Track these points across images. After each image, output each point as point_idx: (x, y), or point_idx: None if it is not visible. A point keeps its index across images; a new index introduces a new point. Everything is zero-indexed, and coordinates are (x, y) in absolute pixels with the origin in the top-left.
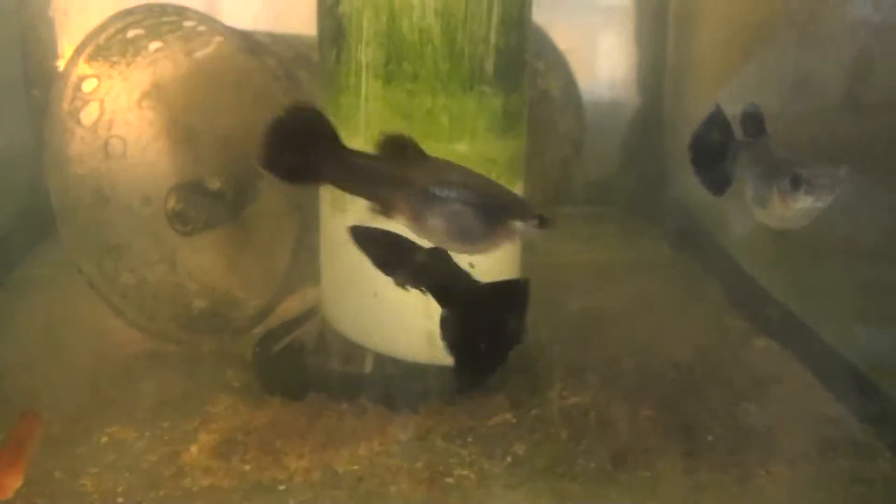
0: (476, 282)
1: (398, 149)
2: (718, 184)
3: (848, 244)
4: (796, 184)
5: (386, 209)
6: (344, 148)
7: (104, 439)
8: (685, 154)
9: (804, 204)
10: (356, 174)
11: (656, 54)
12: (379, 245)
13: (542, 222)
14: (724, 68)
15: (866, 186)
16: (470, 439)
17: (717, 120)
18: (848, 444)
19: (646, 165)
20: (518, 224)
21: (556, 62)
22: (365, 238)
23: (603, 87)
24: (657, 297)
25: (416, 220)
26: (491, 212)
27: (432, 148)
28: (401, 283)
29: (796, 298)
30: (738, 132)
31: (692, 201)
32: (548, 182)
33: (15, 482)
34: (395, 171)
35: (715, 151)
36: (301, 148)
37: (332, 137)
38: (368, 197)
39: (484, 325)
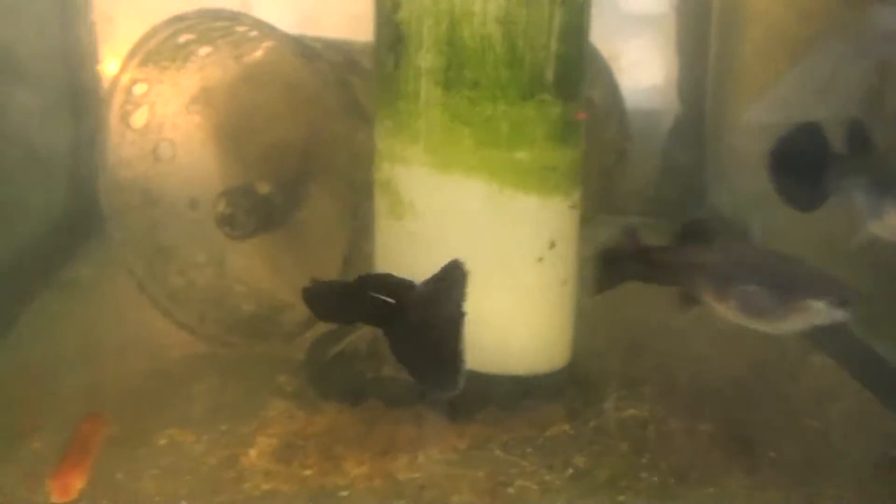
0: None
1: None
2: (811, 198)
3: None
4: None
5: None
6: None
7: (163, 441)
8: (726, 163)
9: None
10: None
11: (698, 61)
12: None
13: (844, 302)
14: (768, 76)
15: None
16: (529, 449)
17: (810, 131)
18: None
19: (685, 175)
20: (816, 303)
21: (600, 69)
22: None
23: (643, 94)
24: (707, 309)
25: (719, 301)
26: (786, 290)
27: (492, 156)
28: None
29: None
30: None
31: (731, 211)
32: (590, 191)
33: (79, 483)
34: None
35: (807, 164)
36: None
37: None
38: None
39: (428, 328)
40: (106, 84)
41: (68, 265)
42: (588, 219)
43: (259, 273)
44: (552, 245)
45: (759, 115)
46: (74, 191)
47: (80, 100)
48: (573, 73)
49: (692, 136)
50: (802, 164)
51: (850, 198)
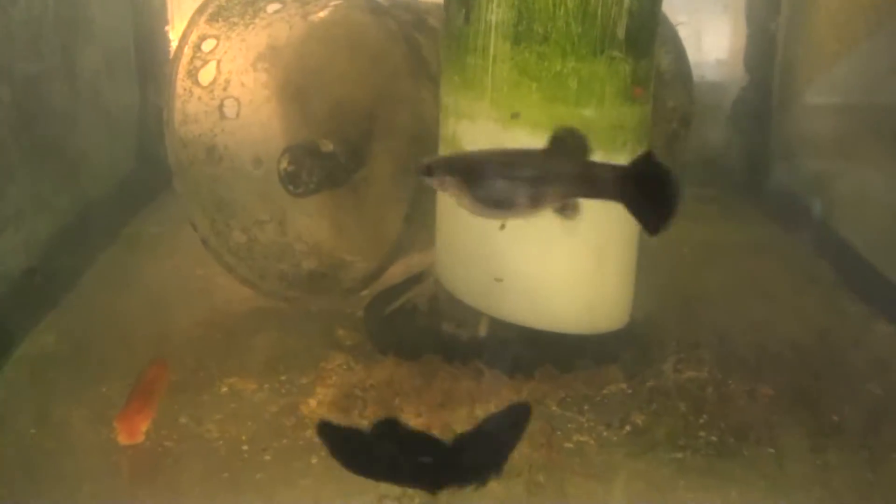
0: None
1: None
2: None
3: None
4: None
5: None
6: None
7: (224, 389)
8: (792, 139)
9: None
10: None
11: (768, 30)
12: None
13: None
14: (842, 49)
15: None
16: (586, 407)
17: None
18: None
19: (752, 146)
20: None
21: (667, 35)
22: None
23: (710, 63)
24: (769, 278)
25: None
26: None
27: (560, 112)
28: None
29: None
30: None
31: (798, 184)
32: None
33: (144, 425)
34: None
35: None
36: None
37: None
38: None
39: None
40: (174, 43)
41: (136, 220)
42: None
43: (320, 231)
44: (616, 205)
45: (829, 91)
46: (142, 148)
47: (148, 57)
48: (645, 31)
49: (759, 108)
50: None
51: None
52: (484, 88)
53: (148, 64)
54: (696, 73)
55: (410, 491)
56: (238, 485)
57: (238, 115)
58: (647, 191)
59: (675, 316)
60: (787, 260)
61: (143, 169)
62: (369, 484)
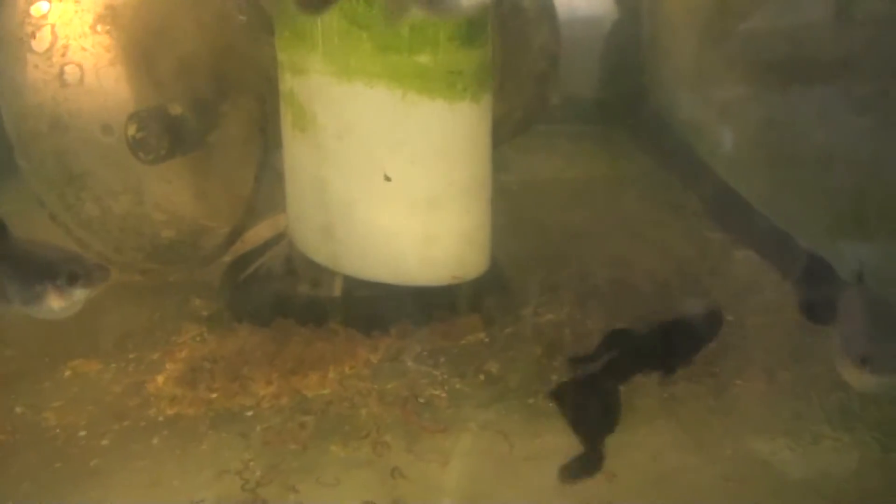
0: None
1: None
2: None
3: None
4: (864, 362)
5: None
6: None
7: (67, 373)
8: (664, 68)
9: (871, 382)
10: None
11: None
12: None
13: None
14: None
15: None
16: (442, 359)
17: None
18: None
19: (625, 81)
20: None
21: None
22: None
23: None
24: (637, 212)
25: None
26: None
27: (393, 60)
28: None
29: (776, 209)
30: None
31: (669, 117)
32: (524, 98)
33: None
34: None
35: None
36: None
37: None
38: None
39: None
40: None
41: None
42: (522, 128)
43: (178, 198)
44: (462, 151)
45: (693, 23)
46: None
47: None
48: None
49: (631, 43)
50: None
51: None
52: (315, 41)
53: None
54: (567, 8)
55: (252, 464)
56: (72, 474)
57: (81, 81)
58: None
59: (539, 258)
60: (656, 193)
61: None
62: (207, 461)
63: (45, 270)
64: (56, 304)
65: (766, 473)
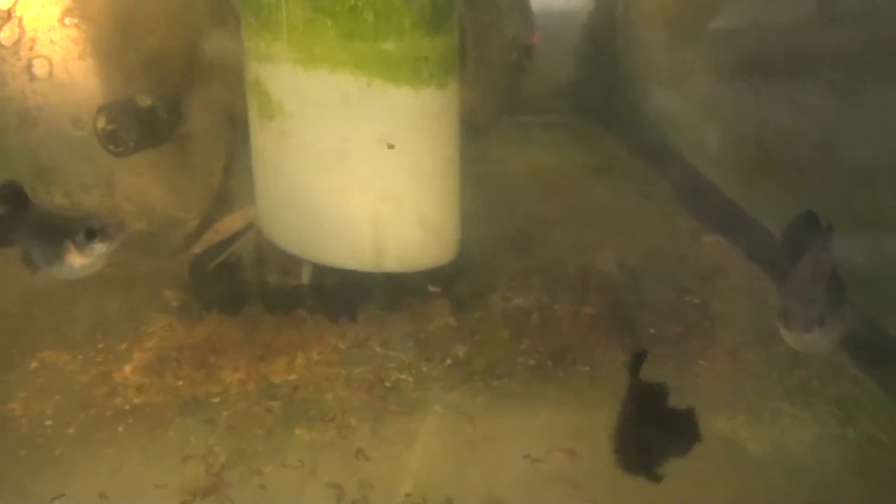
0: None
1: None
2: None
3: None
4: (785, 321)
5: None
6: None
7: (34, 364)
8: (639, 59)
9: (791, 339)
10: None
11: None
12: None
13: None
14: None
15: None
16: (410, 344)
17: None
18: None
19: (600, 73)
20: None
21: None
22: None
23: None
24: (610, 200)
25: None
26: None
27: (358, 47)
28: None
29: (747, 195)
30: None
31: (643, 107)
32: (497, 89)
33: None
34: None
35: None
36: None
37: None
38: None
39: None
40: None
41: None
42: (493, 119)
43: (150, 190)
44: (428, 138)
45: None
46: None
47: None
48: None
49: (606, 35)
50: None
51: None
52: (280, 28)
53: None
54: (546, 2)
55: (217, 449)
56: (36, 462)
57: (50, 74)
58: None
59: (510, 245)
60: (629, 182)
61: None
62: (172, 447)
63: (63, 230)
64: (77, 261)
65: (726, 449)
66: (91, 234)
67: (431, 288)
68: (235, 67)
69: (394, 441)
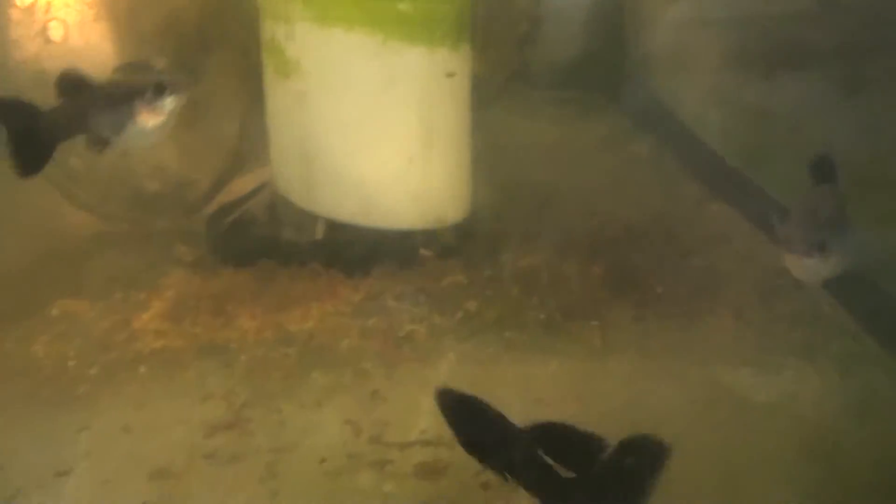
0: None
1: None
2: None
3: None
4: (786, 245)
5: None
6: None
7: (55, 312)
8: (645, 33)
9: (793, 262)
10: None
11: None
12: (466, 417)
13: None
14: None
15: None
16: (422, 298)
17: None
18: (791, 290)
19: (609, 46)
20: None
21: None
22: (449, 404)
23: None
24: (616, 170)
25: None
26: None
27: (373, 6)
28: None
29: (749, 165)
30: None
31: (651, 81)
32: (505, 60)
33: None
34: None
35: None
36: None
37: None
38: None
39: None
40: None
41: None
42: (501, 90)
43: (163, 151)
44: (441, 98)
45: None
46: None
47: None
48: None
49: (615, 8)
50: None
51: None
52: None
53: None
54: None
55: (237, 389)
56: (60, 399)
57: (65, 37)
58: None
59: (521, 210)
60: (636, 153)
61: None
62: (193, 386)
63: (131, 91)
64: (149, 121)
65: (730, 397)
66: (160, 90)
67: (423, 251)
68: (250, 28)
69: (408, 384)
